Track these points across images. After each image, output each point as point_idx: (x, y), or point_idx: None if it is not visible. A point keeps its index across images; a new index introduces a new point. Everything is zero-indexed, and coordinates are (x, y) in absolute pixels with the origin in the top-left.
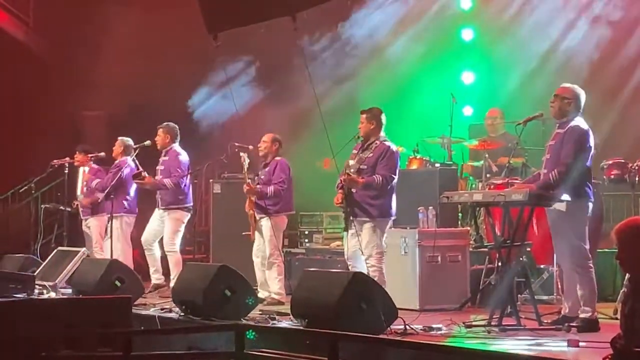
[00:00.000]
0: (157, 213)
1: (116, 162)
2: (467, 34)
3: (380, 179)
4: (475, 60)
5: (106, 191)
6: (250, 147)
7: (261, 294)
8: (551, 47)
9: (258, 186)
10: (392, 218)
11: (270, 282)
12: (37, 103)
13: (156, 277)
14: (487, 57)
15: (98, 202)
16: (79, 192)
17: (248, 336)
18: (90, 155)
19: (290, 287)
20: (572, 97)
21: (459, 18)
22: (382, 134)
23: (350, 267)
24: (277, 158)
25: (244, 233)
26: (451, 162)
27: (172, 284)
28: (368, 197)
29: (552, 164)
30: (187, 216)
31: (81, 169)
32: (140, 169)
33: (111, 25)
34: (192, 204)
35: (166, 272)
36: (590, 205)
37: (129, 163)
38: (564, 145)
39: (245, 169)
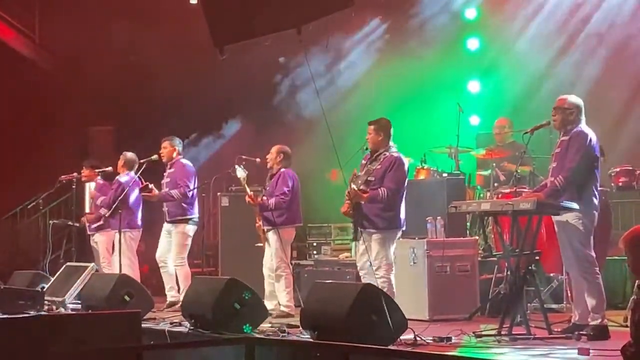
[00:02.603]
0: (165, 227)
1: (118, 177)
2: (473, 44)
3: (385, 192)
4: (482, 70)
5: (113, 207)
6: (258, 159)
7: (267, 305)
8: (557, 55)
9: (264, 198)
10: (402, 229)
11: (278, 295)
12: (44, 119)
13: (171, 295)
14: (493, 66)
15: (105, 217)
16: (87, 209)
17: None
18: (97, 170)
19: (299, 299)
20: (573, 106)
21: (465, 28)
22: (392, 144)
23: (362, 278)
24: (282, 169)
25: (257, 244)
26: (459, 172)
27: (181, 298)
28: (377, 209)
29: (558, 171)
30: (193, 229)
31: (87, 186)
32: (146, 182)
33: (118, 40)
34: (198, 216)
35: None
36: (596, 214)
37: (133, 177)
38: (568, 151)
39: (244, 182)
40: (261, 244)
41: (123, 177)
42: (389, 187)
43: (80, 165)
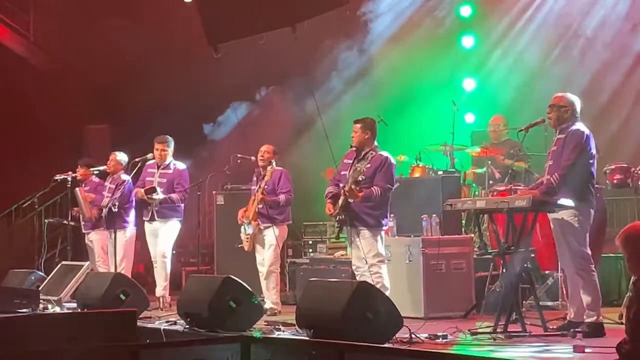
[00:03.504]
0: (150, 227)
1: (117, 176)
2: (468, 41)
3: (379, 191)
4: (477, 67)
5: (108, 206)
6: (253, 158)
7: (268, 304)
8: (552, 52)
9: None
10: (384, 228)
11: (269, 292)
12: (39, 117)
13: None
14: (488, 64)
15: (100, 216)
16: (85, 213)
17: (255, 335)
18: (92, 169)
19: (294, 297)
20: (568, 104)
21: (460, 25)
22: (376, 143)
23: (357, 276)
24: (278, 168)
25: (237, 245)
26: (454, 170)
27: (158, 293)
28: (367, 207)
29: (554, 169)
30: (179, 226)
31: (77, 189)
32: (153, 184)
33: (112, 39)
34: (182, 216)
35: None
36: (592, 211)
37: (129, 178)
38: (565, 149)
39: (268, 178)
40: (242, 245)
41: (126, 177)
42: (381, 186)
43: (76, 164)
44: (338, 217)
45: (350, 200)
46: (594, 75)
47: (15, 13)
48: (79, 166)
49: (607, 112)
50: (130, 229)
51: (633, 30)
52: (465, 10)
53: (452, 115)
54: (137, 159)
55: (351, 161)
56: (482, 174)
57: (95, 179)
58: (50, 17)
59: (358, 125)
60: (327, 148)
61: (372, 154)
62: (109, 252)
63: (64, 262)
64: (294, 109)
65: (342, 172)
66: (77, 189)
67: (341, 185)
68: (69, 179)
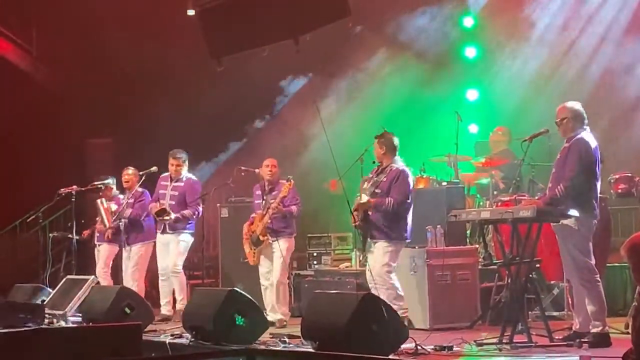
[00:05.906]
0: (162, 239)
1: (135, 191)
2: (471, 52)
3: (392, 201)
4: (480, 78)
5: (121, 220)
6: (257, 170)
7: (271, 317)
8: (555, 62)
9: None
10: (407, 241)
11: (279, 304)
12: (42, 132)
13: (167, 309)
14: (491, 75)
15: (119, 229)
16: (107, 224)
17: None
18: (95, 182)
19: (299, 309)
20: (568, 115)
21: (462, 36)
22: (397, 157)
23: (371, 288)
24: (282, 181)
25: (243, 260)
26: (458, 181)
27: (178, 306)
28: (386, 219)
29: (557, 178)
30: (192, 239)
31: (98, 201)
32: (163, 205)
33: (115, 53)
34: (194, 229)
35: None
36: (595, 222)
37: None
38: (568, 160)
39: (284, 194)
40: (247, 259)
41: (142, 189)
42: (395, 199)
43: (79, 178)
44: (360, 229)
45: (370, 212)
46: (599, 84)
47: (18, 27)
48: (108, 184)
49: (609, 122)
50: (147, 242)
51: (634, 41)
52: (468, 21)
53: (456, 126)
54: (141, 172)
55: (372, 175)
56: (486, 184)
57: (120, 195)
58: (53, 32)
59: (376, 141)
60: (331, 160)
61: (390, 167)
62: (124, 266)
63: (69, 276)
64: (296, 120)
65: (365, 186)
66: (98, 200)
67: None
68: (73, 193)
